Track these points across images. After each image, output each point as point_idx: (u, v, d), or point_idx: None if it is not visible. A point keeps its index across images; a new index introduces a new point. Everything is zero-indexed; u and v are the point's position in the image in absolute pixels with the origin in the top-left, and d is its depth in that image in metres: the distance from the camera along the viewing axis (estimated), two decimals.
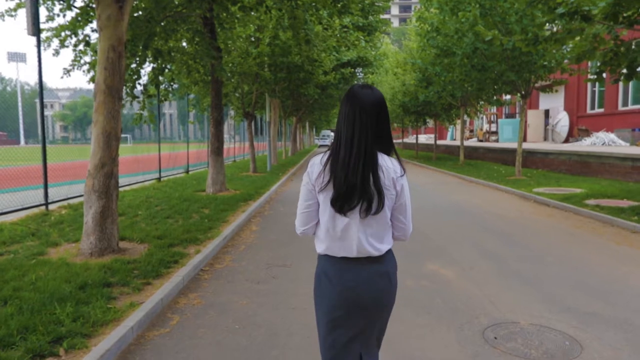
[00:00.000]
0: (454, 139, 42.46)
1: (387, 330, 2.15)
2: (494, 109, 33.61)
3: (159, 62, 10.02)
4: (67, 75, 9.18)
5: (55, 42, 8.54)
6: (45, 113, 8.38)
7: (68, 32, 8.48)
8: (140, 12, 8.26)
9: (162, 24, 8.68)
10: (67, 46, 8.66)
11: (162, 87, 10.97)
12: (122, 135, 6.02)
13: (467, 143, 27.38)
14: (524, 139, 25.47)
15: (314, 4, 10.55)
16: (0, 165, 9.11)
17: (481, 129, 35.44)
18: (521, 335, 3.63)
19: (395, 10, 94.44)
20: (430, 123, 33.75)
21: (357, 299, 1.91)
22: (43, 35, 8.19)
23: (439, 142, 34.24)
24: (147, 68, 10.66)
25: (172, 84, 11.83)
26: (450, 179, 16.62)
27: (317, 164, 1.92)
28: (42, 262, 5.07)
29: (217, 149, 11.21)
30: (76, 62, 9.11)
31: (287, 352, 3.40)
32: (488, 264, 5.62)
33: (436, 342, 3.54)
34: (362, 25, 22.64)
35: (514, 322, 3.87)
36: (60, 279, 4.47)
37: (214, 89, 11.05)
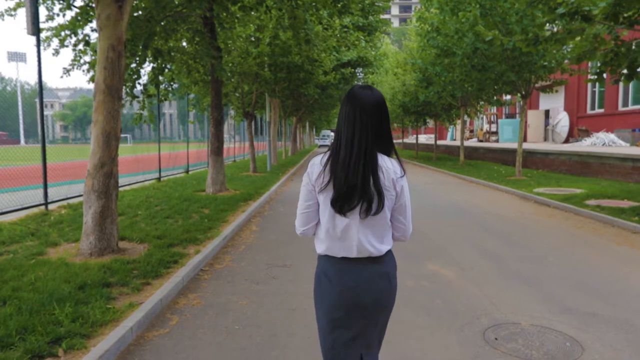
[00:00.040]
0: (454, 139, 42.44)
1: (387, 331, 2.15)
2: (494, 109, 33.59)
3: (159, 61, 10.01)
4: (66, 74, 9.18)
5: (55, 42, 8.54)
6: (46, 113, 8.38)
7: (68, 32, 8.47)
8: (140, 12, 8.25)
9: (162, 23, 8.67)
10: (67, 46, 8.65)
11: (162, 86, 10.96)
12: (122, 135, 6.02)
13: (467, 143, 27.37)
14: (524, 139, 25.45)
15: (314, 3, 10.54)
16: (0, 165, 9.10)
17: (481, 129, 35.42)
18: (522, 336, 3.62)
19: (395, 10, 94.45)
20: (431, 123, 33.74)
21: (357, 300, 1.91)
22: (43, 34, 8.19)
23: (439, 142, 34.23)
24: (147, 68, 10.65)
25: (172, 83, 11.82)
26: (451, 179, 16.61)
27: (317, 164, 1.92)
28: (42, 262, 5.06)
29: (217, 149, 11.20)
30: (76, 62, 9.10)
31: (287, 353, 3.39)
32: (488, 264, 5.61)
33: (436, 343, 3.52)
34: (362, 25, 22.64)
35: (514, 323, 3.86)
36: (60, 279, 4.46)
37: (214, 88, 11.03)
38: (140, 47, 8.50)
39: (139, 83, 9.47)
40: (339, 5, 13.99)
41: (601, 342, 3.50)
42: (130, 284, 4.51)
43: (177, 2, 8.79)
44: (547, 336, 3.61)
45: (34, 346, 3.15)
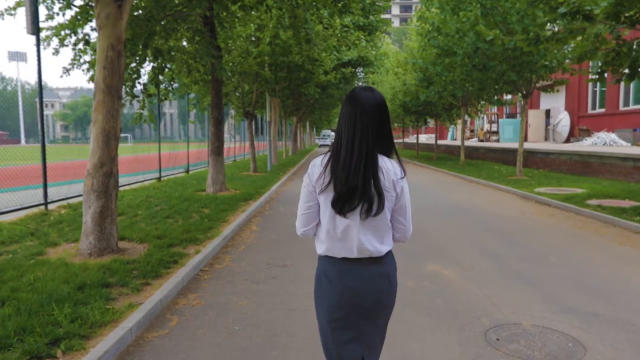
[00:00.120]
0: (455, 139, 42.42)
1: (388, 332, 2.13)
2: (494, 109, 33.57)
3: (159, 61, 10.00)
4: (66, 74, 9.16)
5: (55, 41, 8.52)
6: (46, 112, 8.37)
7: (67, 31, 8.45)
8: (140, 11, 8.23)
9: (162, 23, 8.65)
10: (67, 45, 8.63)
11: (162, 86, 10.95)
12: (123, 135, 6.01)
13: (467, 143, 27.35)
14: (525, 139, 25.40)
15: (314, 3, 10.52)
16: (0, 164, 9.09)
17: (482, 129, 35.41)
18: (524, 336, 3.60)
19: (396, 10, 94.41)
20: (431, 123, 33.71)
21: (357, 300, 1.91)
22: (42, 34, 8.17)
23: (440, 142, 34.21)
24: (147, 67, 10.63)
25: (172, 83, 11.81)
26: (451, 178, 16.59)
27: (317, 165, 1.92)
28: (41, 263, 5.04)
29: (217, 149, 11.18)
30: (76, 61, 9.08)
31: (287, 353, 3.37)
32: (489, 264, 5.59)
33: (437, 344, 3.50)
34: (363, 25, 22.62)
35: (516, 324, 3.84)
36: (59, 279, 4.44)
37: (214, 88, 11.02)
38: (140, 47, 8.49)
39: (139, 82, 9.45)
40: (340, 5, 13.94)
41: (603, 343, 3.48)
42: (129, 284, 4.50)
43: (177, 2, 8.77)
44: (548, 337, 3.59)
45: (32, 347, 3.13)
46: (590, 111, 24.19)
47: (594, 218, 8.38)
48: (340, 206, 1.85)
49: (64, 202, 9.01)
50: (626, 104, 21.41)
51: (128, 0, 5.56)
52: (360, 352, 1.97)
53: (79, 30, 8.50)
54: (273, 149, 22.29)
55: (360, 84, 32.26)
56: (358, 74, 29.25)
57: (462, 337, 3.60)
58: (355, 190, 1.82)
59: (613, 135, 19.30)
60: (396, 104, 26.98)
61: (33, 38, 7.65)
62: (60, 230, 6.77)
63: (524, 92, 14.48)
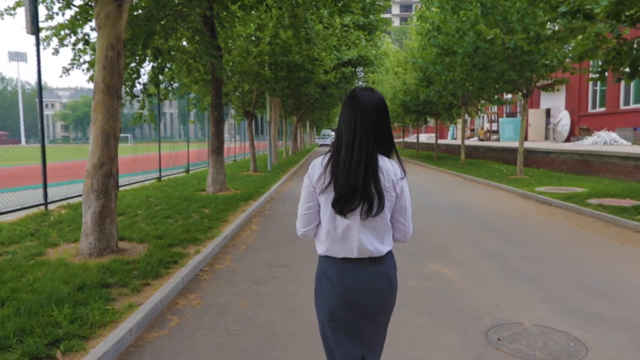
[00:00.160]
0: (455, 138, 42.40)
1: (388, 332, 2.12)
2: (495, 108, 33.54)
3: (159, 61, 9.98)
4: (66, 74, 9.15)
5: (55, 41, 8.51)
6: (46, 112, 8.38)
7: (67, 31, 8.44)
8: (139, 11, 8.22)
9: (162, 22, 8.64)
10: (67, 45, 8.62)
11: (162, 86, 10.93)
12: (123, 135, 6.00)
13: (468, 142, 27.33)
14: (525, 138, 25.38)
15: (314, 2, 10.51)
16: (0, 164, 9.08)
17: (482, 128, 35.40)
18: (525, 336, 3.59)
19: (396, 9, 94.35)
20: (431, 122, 33.70)
21: (357, 300, 1.91)
22: (42, 34, 8.16)
23: (440, 141, 34.18)
24: (147, 67, 10.63)
25: (172, 83, 11.79)
26: (451, 178, 16.57)
27: (317, 165, 1.92)
28: (41, 263, 5.03)
29: (217, 149, 11.17)
30: (75, 61, 9.07)
31: (287, 354, 3.36)
32: (490, 264, 5.57)
33: (438, 344, 3.49)
34: (363, 24, 22.61)
35: (517, 323, 3.83)
36: (59, 279, 4.43)
37: (214, 88, 11.01)
38: (140, 46, 8.48)
39: (138, 82, 9.44)
40: (340, 4, 13.95)
41: (604, 342, 3.47)
42: (129, 285, 4.48)
43: (177, 1, 8.77)
44: (550, 336, 3.58)
45: (31, 348, 3.12)
46: (590, 110, 24.17)
47: (595, 217, 8.36)
48: (341, 207, 1.84)
49: (64, 202, 9.00)
50: (626, 103, 21.39)
51: None
52: (360, 352, 1.97)
53: (79, 30, 8.49)
54: (273, 149, 22.28)
55: (360, 83, 32.24)
56: (358, 73, 29.23)
57: (464, 337, 3.59)
58: (355, 190, 1.82)
59: (613, 134, 19.28)
60: (396, 103, 26.97)
61: (33, 38, 7.64)
62: (60, 230, 6.76)
63: (524, 92, 14.46)
